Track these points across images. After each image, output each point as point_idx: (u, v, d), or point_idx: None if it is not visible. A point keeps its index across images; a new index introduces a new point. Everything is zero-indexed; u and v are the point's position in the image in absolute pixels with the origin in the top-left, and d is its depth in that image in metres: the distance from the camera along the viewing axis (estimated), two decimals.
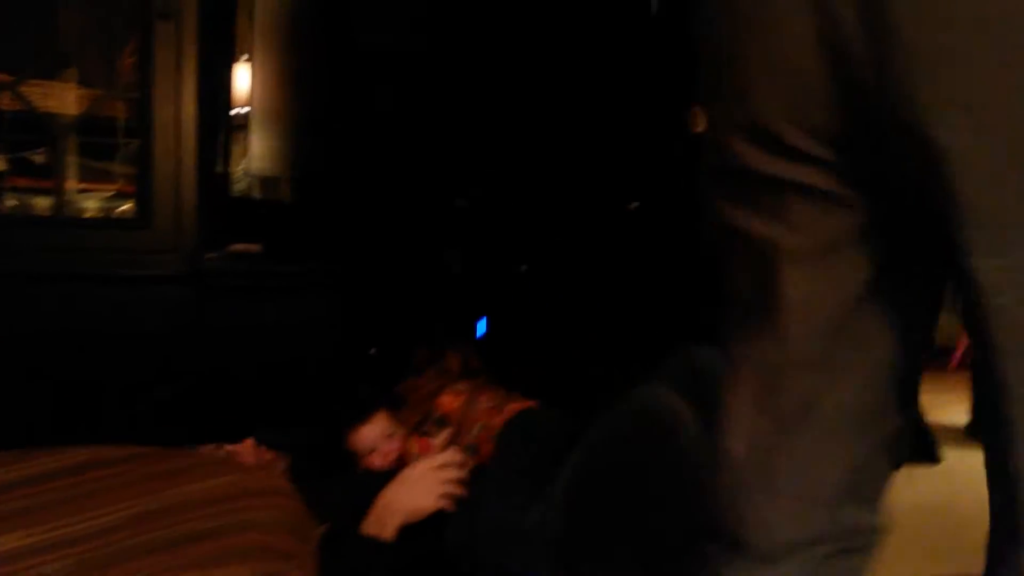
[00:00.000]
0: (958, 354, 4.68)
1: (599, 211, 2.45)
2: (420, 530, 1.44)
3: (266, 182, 2.30)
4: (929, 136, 0.66)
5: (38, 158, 2.28)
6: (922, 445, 2.90)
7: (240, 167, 2.25)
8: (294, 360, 2.15)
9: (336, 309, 2.18)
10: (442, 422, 1.68)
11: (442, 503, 1.44)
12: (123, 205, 2.03)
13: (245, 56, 2.20)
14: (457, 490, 1.46)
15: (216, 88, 2.17)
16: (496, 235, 2.34)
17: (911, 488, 2.65)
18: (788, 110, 0.72)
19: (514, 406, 1.69)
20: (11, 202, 1.97)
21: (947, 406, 3.64)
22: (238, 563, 0.93)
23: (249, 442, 1.73)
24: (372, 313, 2.23)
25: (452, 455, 1.53)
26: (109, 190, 2.37)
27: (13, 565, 0.89)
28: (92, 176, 2.05)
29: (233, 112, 2.23)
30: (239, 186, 2.27)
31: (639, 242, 2.45)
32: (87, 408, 1.89)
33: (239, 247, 2.26)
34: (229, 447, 1.72)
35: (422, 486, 1.44)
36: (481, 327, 2.37)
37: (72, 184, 2.01)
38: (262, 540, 1.00)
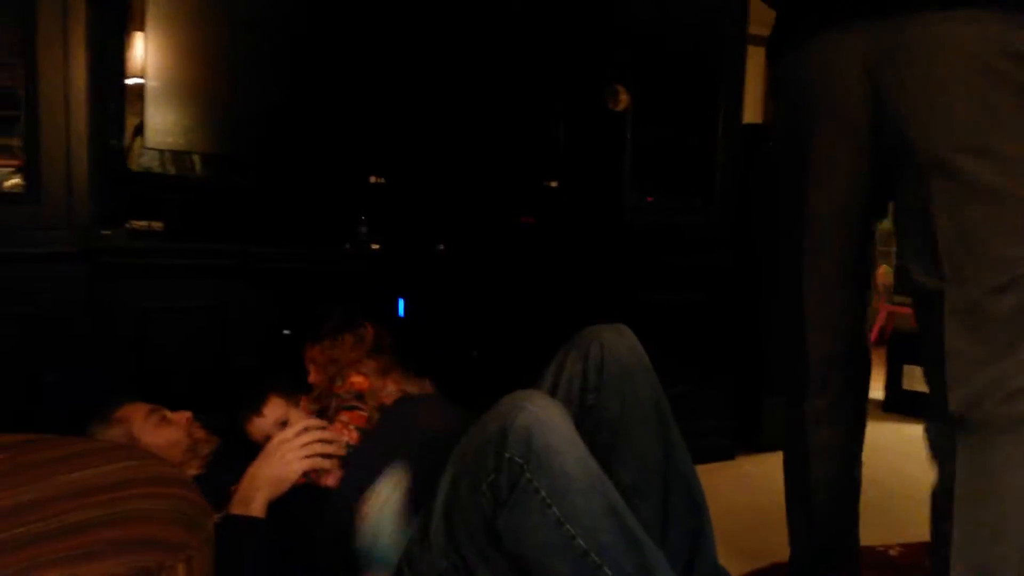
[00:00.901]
0: (875, 328, 4.83)
1: (516, 191, 2.42)
2: (291, 502, 1.43)
3: (169, 157, 2.18)
4: None
5: None
6: None
7: (137, 141, 2.13)
8: (194, 344, 2.06)
9: (243, 291, 2.08)
10: (361, 398, 1.64)
11: (302, 470, 1.45)
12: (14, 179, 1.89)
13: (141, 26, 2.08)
14: (319, 460, 1.48)
15: (110, 58, 2.05)
16: (413, 214, 2.28)
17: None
18: None
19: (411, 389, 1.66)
20: None
21: None
22: (113, 556, 0.85)
23: (188, 415, 1.68)
24: (283, 296, 2.15)
25: (314, 422, 1.53)
26: (11, 165, 2.20)
27: None
28: None
29: (130, 82, 2.11)
30: (142, 160, 2.15)
31: (556, 224, 2.43)
32: None
33: (139, 224, 2.15)
34: (168, 413, 1.66)
35: (279, 456, 1.45)
36: (400, 308, 2.31)
37: None
38: (145, 532, 0.92)
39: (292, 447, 1.47)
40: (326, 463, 1.50)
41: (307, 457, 1.47)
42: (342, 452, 1.54)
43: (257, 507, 1.41)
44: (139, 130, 2.10)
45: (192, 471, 1.62)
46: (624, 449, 1.39)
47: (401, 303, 2.31)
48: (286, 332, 2.18)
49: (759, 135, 2.75)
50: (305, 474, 1.48)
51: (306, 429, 1.51)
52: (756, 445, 2.83)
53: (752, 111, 4.18)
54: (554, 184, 2.39)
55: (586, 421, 1.39)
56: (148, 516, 0.96)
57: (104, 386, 1.87)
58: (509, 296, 2.31)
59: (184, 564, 0.92)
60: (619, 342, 1.43)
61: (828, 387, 1.45)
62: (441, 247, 2.23)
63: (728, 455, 2.75)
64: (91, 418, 1.65)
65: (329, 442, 1.52)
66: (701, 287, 2.64)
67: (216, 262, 2.02)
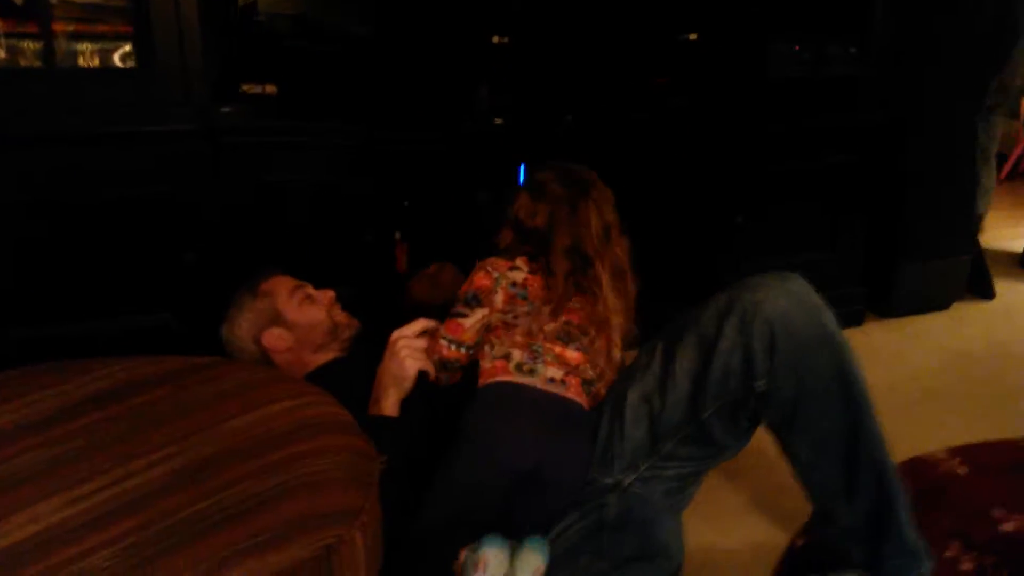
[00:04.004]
0: (1010, 160, 4.40)
1: (650, 47, 2.19)
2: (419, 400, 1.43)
3: (285, 23, 2.04)
4: None
5: None
6: (976, 279, 2.87)
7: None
8: (320, 220, 2.01)
9: (363, 167, 2.00)
10: (476, 300, 1.49)
11: (415, 368, 1.42)
12: (121, 48, 1.80)
13: None
14: (430, 354, 1.45)
15: None
16: (539, 80, 2.10)
17: (962, 331, 2.63)
18: None
19: None
20: None
21: (999, 229, 3.50)
22: (296, 538, 0.84)
23: (331, 294, 1.66)
24: (403, 165, 2.06)
25: (424, 322, 1.47)
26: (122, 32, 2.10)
27: (58, 552, 0.80)
28: (83, 14, 1.80)
29: None
30: (255, 25, 2.02)
31: (693, 83, 2.22)
32: (100, 286, 1.78)
33: (252, 88, 2.05)
34: (312, 290, 1.65)
35: (393, 353, 1.43)
36: (521, 175, 2.20)
37: (61, 26, 1.77)
38: (321, 503, 0.91)
39: (406, 344, 1.43)
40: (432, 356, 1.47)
41: (420, 356, 1.44)
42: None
43: (388, 406, 1.41)
44: None
45: (332, 354, 1.62)
46: (800, 427, 1.27)
47: (522, 169, 2.19)
48: (406, 204, 2.12)
49: None
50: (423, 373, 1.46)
51: (419, 330, 1.47)
52: (886, 311, 2.71)
53: None
54: (693, 36, 2.15)
55: (751, 401, 1.29)
56: (321, 481, 0.95)
57: (244, 263, 1.86)
58: (639, 171, 2.16)
59: (360, 532, 0.91)
60: (792, 310, 1.24)
61: None
62: (569, 118, 2.07)
63: (857, 321, 2.65)
64: (239, 288, 1.65)
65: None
66: (845, 149, 2.43)
67: (335, 139, 1.93)
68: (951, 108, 2.57)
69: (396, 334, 1.45)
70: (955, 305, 2.82)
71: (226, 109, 1.82)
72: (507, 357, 1.39)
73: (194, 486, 0.91)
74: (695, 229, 2.35)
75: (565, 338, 1.41)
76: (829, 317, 1.28)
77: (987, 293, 2.88)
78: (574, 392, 1.37)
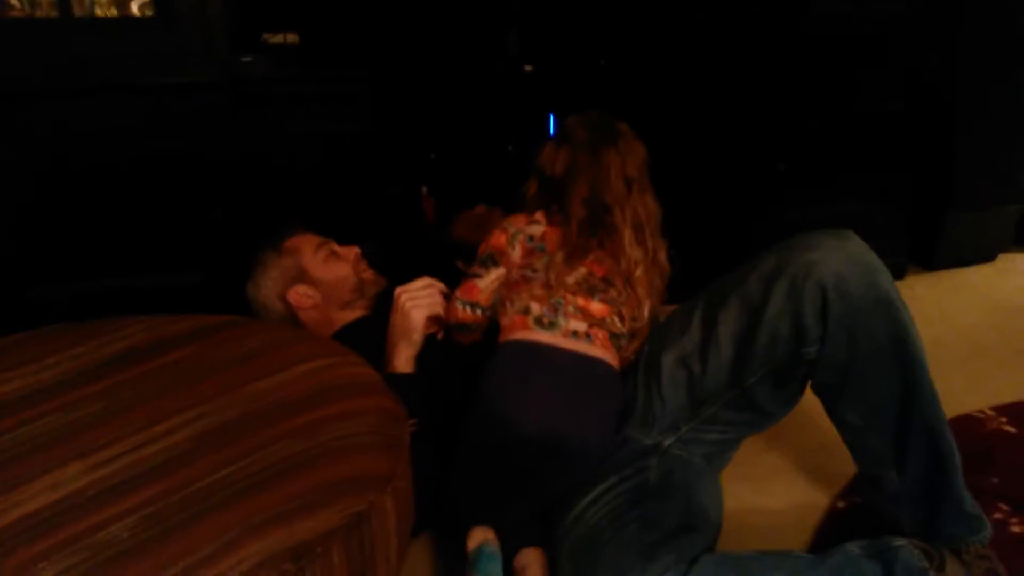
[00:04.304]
0: None
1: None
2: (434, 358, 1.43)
3: None
4: None
5: None
6: (1022, 229, 2.75)
7: None
8: (344, 172, 1.96)
9: (387, 117, 1.94)
10: (492, 260, 1.45)
11: (425, 314, 1.42)
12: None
13: None
14: (437, 307, 1.44)
15: None
16: (570, 23, 2.01)
17: (1009, 283, 2.53)
18: None
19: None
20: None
21: None
22: (325, 506, 0.81)
23: (356, 250, 1.63)
24: (429, 116, 2.00)
25: (429, 280, 1.47)
26: None
27: (77, 522, 0.77)
28: None
29: None
30: None
31: (732, 21, 2.11)
32: (125, 244, 1.76)
33: (275, 38, 1.99)
34: (337, 247, 1.62)
35: (400, 310, 1.43)
36: (551, 125, 2.12)
37: None
38: (350, 468, 0.87)
39: (410, 296, 1.42)
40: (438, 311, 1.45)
41: (427, 310, 1.43)
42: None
43: (401, 363, 1.39)
44: None
45: (359, 312, 1.60)
46: (852, 393, 1.21)
47: (552, 119, 2.11)
48: (433, 156, 2.06)
49: None
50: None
51: (422, 287, 1.46)
52: (929, 263, 2.62)
53: None
54: None
55: (800, 368, 1.24)
56: (349, 446, 0.91)
57: (269, 219, 1.82)
58: (676, 117, 2.07)
59: (391, 497, 0.87)
60: (846, 272, 1.17)
61: None
62: (602, 62, 1.98)
63: (899, 274, 2.56)
64: (263, 246, 1.62)
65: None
66: (893, 96, 2.31)
67: (359, 89, 1.87)
68: (1002, 46, 2.43)
69: (399, 289, 1.44)
70: (1000, 256, 2.71)
71: (247, 59, 1.76)
72: (526, 311, 1.35)
73: (217, 452, 0.88)
74: (735, 178, 2.27)
75: (588, 290, 1.36)
76: (886, 278, 1.20)
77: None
78: (600, 346, 1.32)
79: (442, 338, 1.48)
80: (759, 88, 2.17)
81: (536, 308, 1.34)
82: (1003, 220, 2.69)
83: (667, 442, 1.30)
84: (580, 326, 1.32)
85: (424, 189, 2.11)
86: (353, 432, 0.93)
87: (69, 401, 0.96)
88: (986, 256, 2.69)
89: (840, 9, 2.18)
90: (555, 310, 1.34)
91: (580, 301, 1.35)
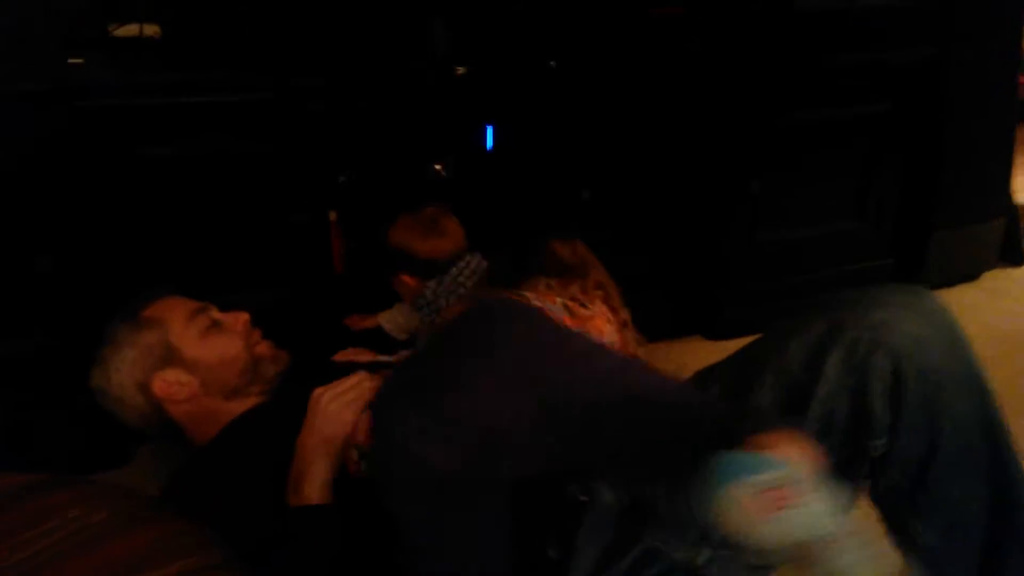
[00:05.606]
0: None
1: None
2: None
3: None
4: None
5: None
6: (1007, 244, 2.57)
7: None
8: (226, 204, 1.56)
9: (281, 127, 1.54)
10: None
11: (355, 418, 1.10)
12: None
13: None
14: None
15: None
16: (512, 16, 1.64)
17: (999, 306, 2.32)
18: None
19: None
20: None
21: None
22: None
23: (244, 317, 1.29)
24: (336, 129, 1.60)
25: (358, 377, 1.16)
26: None
27: None
28: None
29: None
30: None
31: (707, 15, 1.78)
32: None
33: (127, 30, 1.59)
34: (219, 313, 1.28)
35: (321, 413, 1.11)
36: (488, 138, 1.76)
37: None
38: None
39: (335, 397, 1.12)
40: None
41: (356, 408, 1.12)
42: None
43: (315, 487, 1.06)
44: None
45: (252, 400, 1.25)
46: (927, 503, 0.98)
47: (489, 131, 1.75)
48: (342, 179, 1.67)
49: None
50: None
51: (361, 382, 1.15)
52: (916, 283, 2.37)
53: None
54: None
55: (862, 465, 0.99)
56: None
57: (118, 271, 1.42)
58: (634, 122, 1.77)
59: None
60: (925, 338, 0.94)
61: None
62: (552, 64, 1.61)
63: None
64: (115, 319, 1.24)
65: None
66: (877, 96, 2.06)
67: (241, 96, 1.45)
68: (992, 47, 2.24)
69: (319, 391, 1.13)
70: (985, 275, 2.51)
71: (77, 60, 1.32)
72: None
73: None
74: (705, 198, 2.00)
75: None
76: (972, 351, 0.99)
77: (1017, 259, 2.59)
78: None
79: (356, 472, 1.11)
80: (732, 92, 1.88)
81: None
82: (990, 234, 2.50)
83: (700, 559, 1.01)
84: None
85: (333, 216, 1.74)
86: None
87: None
88: (971, 274, 2.49)
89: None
90: None
91: None
